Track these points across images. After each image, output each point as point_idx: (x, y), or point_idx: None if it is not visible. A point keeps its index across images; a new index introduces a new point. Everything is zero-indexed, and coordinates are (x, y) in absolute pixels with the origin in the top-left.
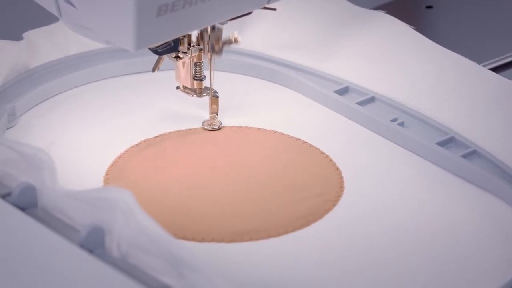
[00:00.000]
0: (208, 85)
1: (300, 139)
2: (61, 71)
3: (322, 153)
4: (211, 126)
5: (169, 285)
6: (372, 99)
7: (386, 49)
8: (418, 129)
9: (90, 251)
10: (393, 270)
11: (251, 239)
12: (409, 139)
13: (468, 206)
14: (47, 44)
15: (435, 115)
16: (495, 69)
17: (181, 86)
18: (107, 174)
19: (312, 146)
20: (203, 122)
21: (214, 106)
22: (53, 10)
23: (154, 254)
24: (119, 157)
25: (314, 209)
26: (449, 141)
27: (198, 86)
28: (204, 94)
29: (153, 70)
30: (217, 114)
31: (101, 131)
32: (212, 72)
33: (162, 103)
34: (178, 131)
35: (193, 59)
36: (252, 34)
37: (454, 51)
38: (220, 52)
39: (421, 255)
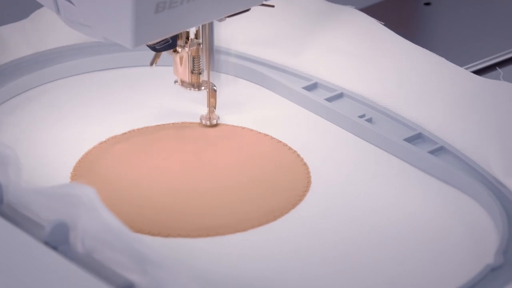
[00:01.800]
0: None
1: (268, 135)
2: (31, 67)
3: (290, 148)
4: (209, 120)
5: (133, 282)
6: (340, 95)
7: (356, 44)
8: (386, 125)
9: (55, 247)
10: (359, 264)
11: (217, 234)
12: (376, 135)
13: (435, 202)
14: (18, 39)
15: (404, 111)
16: (494, 66)
17: (179, 80)
18: (74, 170)
19: (280, 141)
20: (201, 117)
21: (212, 100)
22: (51, 7)
23: (118, 250)
24: (87, 153)
25: (281, 204)
26: (416, 137)
27: (195, 80)
28: (202, 88)
29: (151, 64)
30: (215, 108)
31: (71, 127)
32: (209, 66)
33: (138, 98)
34: (146, 127)
35: (190, 53)
36: (222, 31)
37: (452, 48)
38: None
39: (387, 249)
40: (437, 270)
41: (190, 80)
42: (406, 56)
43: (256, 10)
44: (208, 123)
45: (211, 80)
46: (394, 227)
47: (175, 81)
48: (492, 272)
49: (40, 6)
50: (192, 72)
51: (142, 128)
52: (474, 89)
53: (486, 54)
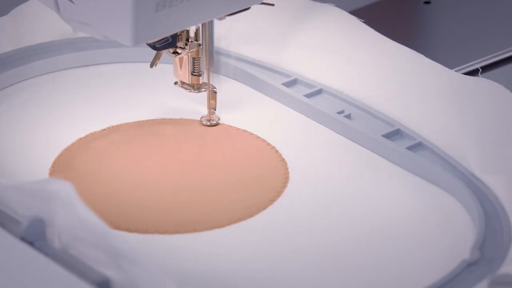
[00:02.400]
0: (206, 81)
1: (247, 131)
2: (12, 63)
3: (269, 144)
4: (210, 121)
5: (109, 277)
6: (319, 92)
7: (335, 41)
8: (365, 121)
9: (31, 242)
10: (336, 259)
11: (195, 230)
12: (355, 131)
13: (413, 198)
14: None
15: (382, 107)
16: (494, 65)
17: (179, 82)
18: (53, 166)
19: (259, 137)
20: (201, 117)
21: (213, 101)
22: (51, 5)
23: (94, 245)
24: (66, 149)
25: (258, 200)
26: (395, 133)
27: (195, 82)
28: (202, 90)
29: (152, 66)
30: (215, 109)
31: (51, 123)
32: (209, 68)
33: (121, 93)
34: (126, 123)
35: (191, 55)
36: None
37: (452, 46)
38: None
39: (364, 245)
40: (413, 265)
41: (190, 82)
42: (385, 53)
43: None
44: (208, 123)
45: (210, 82)
46: (371, 223)
47: (175, 83)
48: (468, 267)
49: (21, 2)
50: (192, 74)
51: (121, 125)
52: (453, 86)
53: (486, 53)
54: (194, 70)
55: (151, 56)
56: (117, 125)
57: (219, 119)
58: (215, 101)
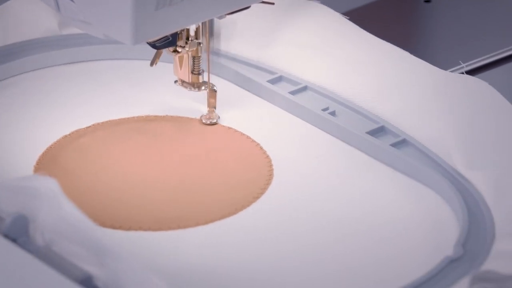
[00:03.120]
0: (206, 80)
1: (231, 128)
2: None
3: (253, 141)
4: (209, 120)
5: (91, 274)
6: (304, 88)
7: (321, 38)
8: (349, 118)
9: (14, 239)
10: (319, 257)
11: (178, 227)
12: (339, 128)
13: (397, 194)
14: None
15: (367, 104)
16: (494, 64)
17: (179, 80)
18: (37, 163)
19: (243, 134)
20: (201, 116)
21: (212, 100)
22: (51, 4)
23: (77, 242)
24: (51, 146)
25: (242, 197)
26: (379, 130)
27: (196, 81)
28: (202, 88)
29: (151, 64)
30: (215, 108)
31: (36, 120)
32: (209, 66)
33: (108, 89)
34: (110, 120)
35: (191, 54)
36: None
37: (452, 45)
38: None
39: (347, 241)
40: (396, 262)
41: (190, 81)
42: (370, 49)
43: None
44: (208, 122)
45: (211, 81)
46: (355, 220)
47: (175, 81)
48: (451, 263)
49: (3, 1)
50: (192, 73)
51: (106, 122)
52: (436, 83)
53: (486, 52)
54: (194, 68)
55: (147, 53)
56: (102, 122)
57: (219, 117)
58: (215, 99)
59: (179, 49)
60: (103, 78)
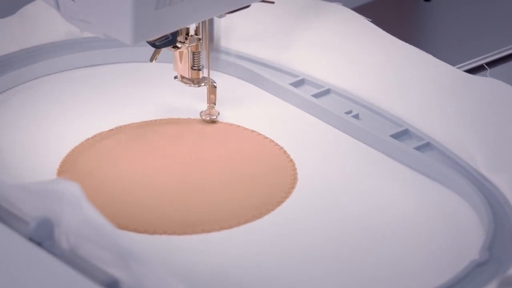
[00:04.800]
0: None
1: (254, 131)
2: (17, 63)
3: (276, 145)
4: (209, 116)
5: (117, 278)
6: (327, 92)
7: (343, 41)
8: (373, 121)
9: (39, 243)
10: (343, 261)
11: (203, 231)
12: (363, 131)
13: (421, 198)
14: (3, 36)
15: (390, 107)
16: (493, 63)
17: (179, 76)
18: (60, 166)
19: (267, 138)
20: (201, 112)
21: (212, 96)
22: (51, 3)
23: (102, 246)
24: (73, 149)
25: (266, 201)
26: (403, 134)
27: (195, 76)
28: (202, 84)
29: (151, 60)
30: (215, 104)
31: (59, 123)
32: (209, 62)
33: (128, 94)
34: (133, 123)
35: (191, 49)
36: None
37: (452, 44)
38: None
39: (372, 246)
40: (422, 266)
41: (190, 76)
42: (393, 52)
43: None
44: (208, 118)
45: (211, 76)
46: (380, 224)
47: (175, 77)
48: (477, 268)
49: (27, 2)
50: (192, 68)
51: (128, 125)
52: (460, 85)
53: (486, 51)
54: (194, 64)
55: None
56: (124, 125)
57: (218, 114)
58: (215, 95)
59: (179, 45)
60: (122, 80)
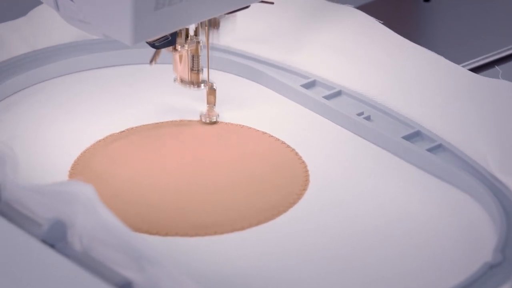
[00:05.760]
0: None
1: (266, 133)
2: (28, 64)
3: (288, 146)
4: (209, 118)
5: (130, 280)
6: (339, 93)
7: (354, 42)
8: (384, 123)
9: (52, 245)
10: (356, 262)
11: (215, 233)
12: (375, 133)
13: (433, 200)
14: (14, 38)
15: (402, 109)
16: (493, 63)
17: (178, 78)
18: (72, 168)
19: (278, 139)
20: (201, 114)
21: (212, 98)
22: (50, 3)
23: (116, 247)
24: (85, 151)
25: (278, 203)
26: (415, 135)
27: (195, 78)
28: (202, 86)
29: (151, 63)
30: (214, 106)
31: (70, 125)
32: (209, 64)
33: (138, 95)
34: (144, 125)
35: (190, 52)
36: (220, 28)
37: (452, 45)
38: (217, 26)
39: (385, 248)
40: (435, 268)
41: (189, 78)
42: (404, 54)
43: (254, 7)
44: (208, 120)
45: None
46: (392, 225)
47: (175, 79)
48: (490, 270)
49: (38, 4)
50: (191, 70)
51: (140, 126)
52: (472, 87)
53: (485, 51)
54: (194, 66)
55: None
56: (135, 127)
57: (218, 115)
58: (215, 97)
59: (178, 47)
60: (133, 82)
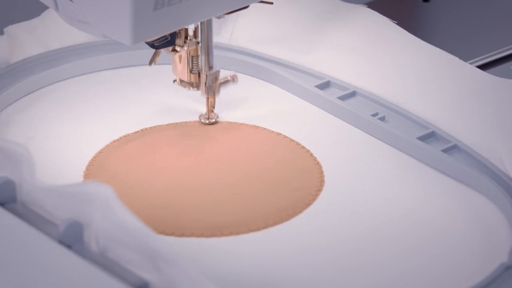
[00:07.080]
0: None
1: (281, 134)
2: (42, 65)
3: (303, 147)
4: (208, 119)
5: (147, 280)
6: (353, 94)
7: (368, 43)
8: (399, 123)
9: (69, 245)
10: (372, 262)
11: (231, 234)
12: (390, 134)
13: (449, 200)
14: (28, 38)
15: (416, 109)
16: (492, 63)
17: (177, 80)
18: (87, 169)
19: (293, 140)
20: (200, 115)
21: (212, 99)
22: (50, 3)
23: (132, 248)
24: (100, 152)
25: (294, 203)
26: (430, 136)
27: (194, 80)
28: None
29: (150, 64)
30: (213, 108)
31: (84, 125)
32: (208, 65)
33: (152, 97)
34: (159, 125)
35: (189, 53)
36: (234, 29)
37: (451, 45)
38: (217, 91)
39: (401, 248)
40: (450, 269)
41: (189, 80)
42: (419, 54)
43: (267, 7)
44: (207, 121)
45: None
46: (408, 226)
47: (174, 80)
48: (506, 271)
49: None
50: (191, 72)
51: (154, 127)
52: (486, 87)
53: (485, 51)
54: (193, 67)
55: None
56: (150, 127)
57: (217, 117)
58: (214, 99)
59: (177, 48)
60: (146, 83)
